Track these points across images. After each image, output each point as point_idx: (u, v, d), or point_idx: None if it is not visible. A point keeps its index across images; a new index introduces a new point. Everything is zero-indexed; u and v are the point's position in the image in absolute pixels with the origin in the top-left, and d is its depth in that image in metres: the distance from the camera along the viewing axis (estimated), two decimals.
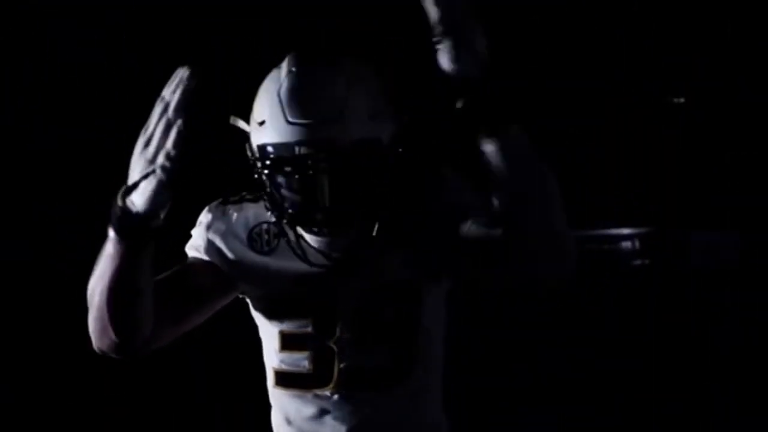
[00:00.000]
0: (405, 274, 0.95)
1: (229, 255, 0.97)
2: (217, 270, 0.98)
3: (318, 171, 0.85)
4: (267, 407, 1.09)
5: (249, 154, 0.91)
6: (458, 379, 1.50)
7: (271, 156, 0.87)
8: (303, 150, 0.84)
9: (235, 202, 1.00)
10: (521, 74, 4.52)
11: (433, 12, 0.77)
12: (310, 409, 0.95)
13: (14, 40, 2.77)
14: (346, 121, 0.86)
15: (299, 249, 0.93)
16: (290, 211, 0.88)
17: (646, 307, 4.51)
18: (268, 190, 0.89)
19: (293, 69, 0.90)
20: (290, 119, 0.85)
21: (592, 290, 4.58)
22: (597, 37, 4.92)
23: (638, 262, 5.03)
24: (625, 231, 5.09)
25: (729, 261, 4.81)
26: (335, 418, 0.94)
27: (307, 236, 0.93)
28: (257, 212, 0.97)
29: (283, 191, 0.88)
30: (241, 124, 0.94)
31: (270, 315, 0.99)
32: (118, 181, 0.90)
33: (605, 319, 4.36)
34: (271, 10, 3.33)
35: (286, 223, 0.90)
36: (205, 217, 1.01)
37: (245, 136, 0.93)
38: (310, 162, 0.85)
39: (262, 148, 0.88)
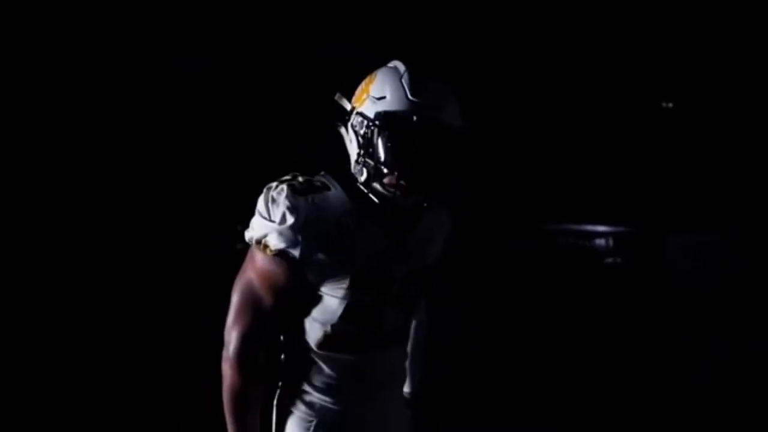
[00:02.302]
0: (425, 264, 1.23)
1: (321, 243, 1.09)
2: (300, 263, 1.10)
3: (425, 134, 1.09)
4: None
5: (358, 121, 1.12)
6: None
7: (394, 119, 1.08)
8: (416, 118, 1.08)
9: (309, 191, 1.11)
10: (510, 76, 4.55)
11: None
12: (350, 365, 1.16)
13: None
14: (450, 109, 1.12)
15: (380, 227, 1.15)
16: (384, 166, 1.09)
17: (621, 306, 4.54)
18: (381, 146, 1.09)
19: (409, 67, 1.14)
20: (410, 97, 1.09)
21: (568, 286, 4.64)
22: (584, 42, 4.95)
23: (611, 260, 5.13)
24: (601, 228, 5.17)
25: (707, 262, 4.85)
26: (370, 370, 1.18)
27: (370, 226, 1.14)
28: (332, 199, 1.11)
29: (384, 149, 1.09)
30: (344, 102, 1.19)
31: (342, 291, 1.12)
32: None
33: (581, 315, 4.40)
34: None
35: (385, 175, 1.10)
36: (293, 208, 1.09)
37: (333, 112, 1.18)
38: (421, 128, 1.08)
39: (380, 114, 1.09)
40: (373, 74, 1.18)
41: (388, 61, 1.25)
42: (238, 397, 1.12)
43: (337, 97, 1.21)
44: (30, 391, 2.72)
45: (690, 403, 3.03)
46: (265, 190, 1.13)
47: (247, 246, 1.20)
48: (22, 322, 2.75)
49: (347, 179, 1.15)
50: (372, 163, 1.11)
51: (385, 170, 1.10)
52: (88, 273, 2.89)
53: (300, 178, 1.15)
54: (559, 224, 5.21)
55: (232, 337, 1.11)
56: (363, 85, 1.18)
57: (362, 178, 1.13)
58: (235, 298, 1.13)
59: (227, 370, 1.12)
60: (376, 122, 1.10)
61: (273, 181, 1.17)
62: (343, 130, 1.20)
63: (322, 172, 1.17)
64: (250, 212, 1.20)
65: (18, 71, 2.70)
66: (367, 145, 1.11)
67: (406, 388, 1.43)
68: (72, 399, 2.76)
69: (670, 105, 5.70)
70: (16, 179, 2.72)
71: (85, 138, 2.87)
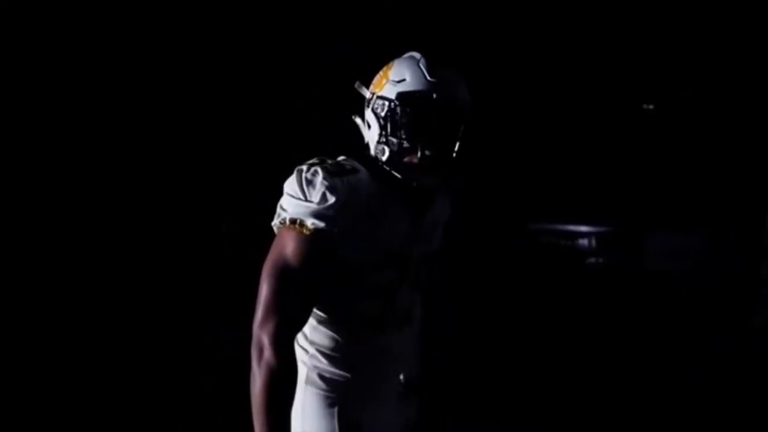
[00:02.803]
0: (432, 247, 1.34)
1: (353, 223, 1.14)
2: (334, 242, 1.13)
3: (443, 109, 1.19)
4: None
5: (379, 104, 1.21)
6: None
7: (414, 97, 1.18)
8: (435, 95, 1.18)
9: (342, 173, 1.15)
10: (497, 76, 4.56)
11: None
12: (370, 343, 1.22)
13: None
14: (462, 87, 1.24)
15: (407, 211, 1.25)
16: (406, 141, 1.18)
17: (609, 305, 4.59)
18: (403, 123, 1.18)
19: (425, 55, 1.24)
20: (428, 78, 1.20)
21: (555, 285, 4.69)
22: (566, 46, 4.96)
23: (594, 260, 5.23)
24: (584, 228, 5.28)
25: (685, 263, 4.89)
26: (386, 349, 1.23)
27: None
28: (362, 181, 1.17)
29: (407, 125, 1.18)
30: (363, 90, 1.30)
31: (368, 270, 1.17)
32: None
33: (572, 314, 4.44)
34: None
35: (406, 152, 1.19)
36: (332, 189, 1.12)
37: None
38: (439, 103, 1.18)
39: (402, 94, 1.19)
40: (390, 64, 1.28)
41: (388, 61, 1.31)
42: (282, 390, 1.07)
43: (356, 85, 1.31)
44: (29, 391, 2.72)
45: (690, 403, 3.03)
46: (296, 172, 1.17)
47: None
48: (21, 322, 2.75)
49: (369, 163, 1.23)
50: (395, 140, 1.19)
51: (407, 144, 1.19)
52: (87, 273, 2.89)
53: (329, 161, 1.19)
54: (542, 224, 5.29)
55: (269, 325, 1.08)
56: (381, 73, 1.28)
57: (385, 157, 1.21)
58: (268, 285, 1.11)
59: (268, 360, 1.06)
60: (398, 102, 1.20)
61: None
62: (358, 120, 1.30)
63: (343, 157, 1.23)
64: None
65: (18, 71, 2.69)
66: (389, 124, 1.20)
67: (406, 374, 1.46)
68: (72, 399, 2.76)
69: (651, 107, 5.82)
70: (15, 179, 2.71)
71: (84, 138, 2.87)
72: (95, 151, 2.89)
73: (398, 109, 1.20)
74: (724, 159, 5.34)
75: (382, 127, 1.22)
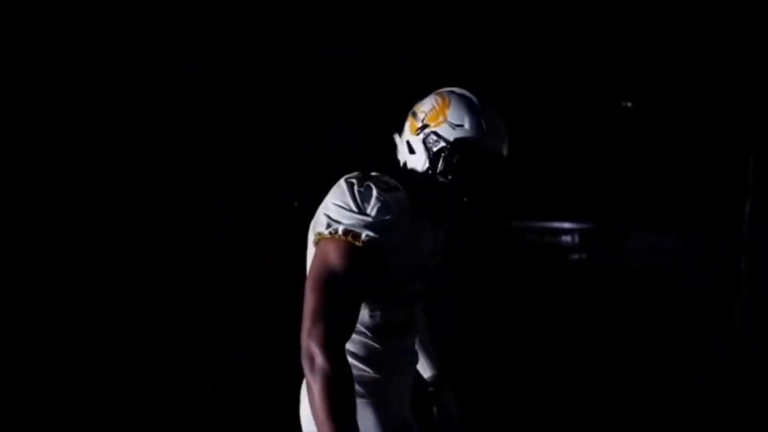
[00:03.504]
0: (440, 258, 1.45)
1: (399, 238, 1.21)
2: (383, 254, 1.19)
3: (490, 162, 1.32)
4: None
5: (433, 139, 1.30)
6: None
7: (469, 148, 1.30)
8: (488, 148, 1.31)
9: (391, 189, 1.22)
10: (491, 77, 4.57)
11: None
12: (397, 346, 1.32)
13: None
14: (507, 141, 1.36)
15: (439, 227, 1.41)
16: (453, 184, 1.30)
17: (582, 302, 4.65)
18: (453, 167, 1.29)
19: (480, 98, 1.34)
20: (485, 129, 1.30)
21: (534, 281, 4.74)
22: (546, 44, 4.98)
23: (577, 256, 5.36)
24: (567, 225, 5.40)
25: (665, 262, 5.04)
26: (407, 348, 1.37)
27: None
28: (403, 197, 1.24)
29: (456, 170, 1.29)
30: (396, 138, 1.41)
31: (403, 281, 1.28)
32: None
33: (554, 311, 4.47)
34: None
35: (458, 194, 1.31)
36: (386, 203, 1.19)
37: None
38: (489, 157, 1.31)
39: (459, 141, 1.30)
40: (445, 98, 1.35)
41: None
42: (342, 394, 1.05)
43: (395, 136, 1.41)
44: (29, 391, 2.72)
45: (680, 402, 3.03)
46: (346, 185, 1.19)
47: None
48: (21, 322, 2.75)
49: (400, 178, 1.30)
50: (441, 178, 1.30)
51: (451, 186, 1.31)
52: (87, 273, 2.89)
53: (373, 175, 1.25)
54: (526, 222, 5.38)
55: (319, 334, 1.06)
56: (436, 104, 1.34)
57: (422, 185, 1.33)
58: (318, 294, 1.10)
59: (323, 367, 1.04)
60: (453, 147, 1.30)
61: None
62: (397, 137, 1.40)
63: (376, 173, 1.28)
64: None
65: (17, 71, 2.69)
66: (439, 164, 1.30)
67: (430, 372, 1.62)
68: (71, 399, 2.76)
69: (629, 104, 5.90)
70: (15, 179, 2.71)
71: (84, 138, 2.87)
72: (95, 151, 2.89)
73: (450, 154, 1.29)
74: (703, 158, 5.45)
75: (432, 162, 1.31)
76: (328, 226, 1.14)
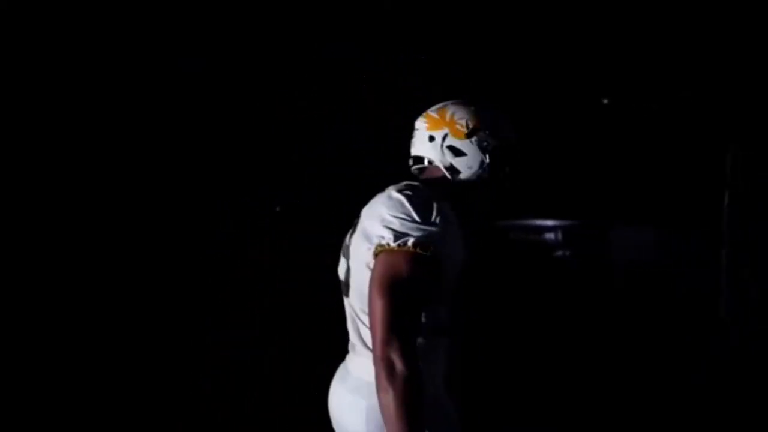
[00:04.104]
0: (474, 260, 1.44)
1: (453, 245, 1.29)
2: (442, 263, 1.26)
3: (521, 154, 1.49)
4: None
5: (485, 141, 1.43)
6: None
7: (512, 149, 1.47)
8: (516, 140, 1.49)
9: (441, 198, 1.30)
10: (489, 76, 4.58)
11: None
12: (444, 345, 1.35)
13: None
14: None
15: (476, 231, 1.49)
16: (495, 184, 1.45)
17: (568, 296, 4.68)
18: (497, 171, 1.44)
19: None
20: (509, 126, 1.49)
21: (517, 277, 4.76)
22: (528, 41, 4.99)
23: (560, 253, 5.46)
24: (549, 222, 5.48)
25: (645, 254, 5.14)
26: (448, 348, 1.36)
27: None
28: (449, 206, 1.30)
29: (497, 172, 1.45)
30: (426, 145, 1.48)
31: (451, 285, 1.31)
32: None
33: (529, 305, 4.49)
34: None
35: (498, 194, 1.48)
36: (446, 214, 1.27)
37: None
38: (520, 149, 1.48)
39: (503, 138, 1.46)
40: (469, 106, 1.47)
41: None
42: (418, 399, 1.14)
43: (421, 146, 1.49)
44: (30, 391, 2.72)
45: (688, 403, 3.03)
46: (403, 197, 1.27)
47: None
48: (21, 323, 2.75)
49: (437, 187, 1.39)
50: (498, 173, 1.44)
51: (505, 179, 1.46)
52: (87, 273, 2.89)
53: (416, 185, 1.36)
54: (509, 220, 5.43)
55: (395, 341, 1.15)
56: (470, 113, 1.46)
57: (475, 183, 1.43)
58: (390, 303, 1.18)
59: (403, 373, 1.13)
60: (503, 146, 1.45)
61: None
62: (424, 145, 1.46)
63: (415, 183, 1.39)
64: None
65: (17, 71, 2.70)
66: (497, 160, 1.44)
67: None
68: (71, 399, 2.77)
69: (605, 101, 5.97)
70: (15, 179, 2.72)
71: (84, 138, 2.87)
72: (95, 151, 2.89)
73: (503, 151, 1.45)
74: (683, 152, 5.52)
75: (492, 159, 1.45)
76: (397, 238, 1.21)
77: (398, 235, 1.22)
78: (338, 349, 1.47)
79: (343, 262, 1.38)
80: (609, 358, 3.69)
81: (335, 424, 1.40)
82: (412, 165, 1.48)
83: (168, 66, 3.02)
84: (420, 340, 1.27)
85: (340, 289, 1.40)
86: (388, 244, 1.21)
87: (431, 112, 1.47)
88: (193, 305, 3.15)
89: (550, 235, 5.54)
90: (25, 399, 2.70)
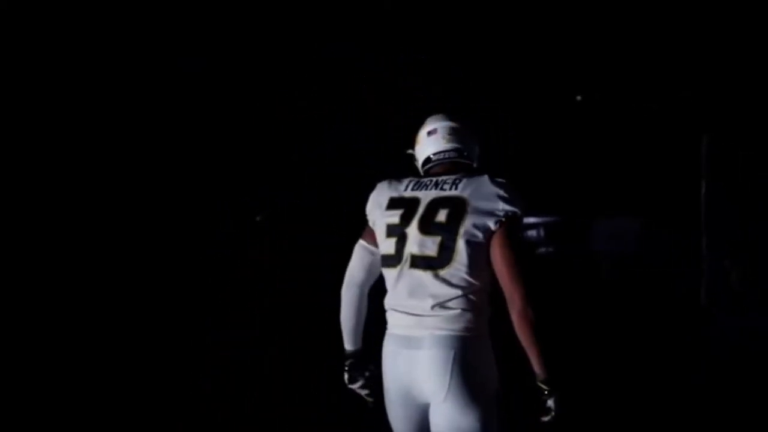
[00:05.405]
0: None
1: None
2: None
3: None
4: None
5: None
6: None
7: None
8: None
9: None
10: (486, 76, 4.59)
11: None
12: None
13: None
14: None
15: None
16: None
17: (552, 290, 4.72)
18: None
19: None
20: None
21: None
22: (508, 41, 5.00)
23: (544, 249, 5.59)
24: (532, 220, 5.56)
25: (627, 245, 5.20)
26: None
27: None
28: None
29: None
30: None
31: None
32: None
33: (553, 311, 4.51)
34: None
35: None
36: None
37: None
38: None
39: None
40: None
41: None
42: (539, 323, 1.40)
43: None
44: (30, 391, 2.72)
45: (688, 403, 3.04)
46: (507, 184, 1.44)
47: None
48: (22, 323, 2.75)
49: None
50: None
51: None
52: (87, 273, 2.89)
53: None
54: None
55: (524, 286, 1.39)
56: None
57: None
58: (519, 259, 1.41)
59: (531, 310, 1.40)
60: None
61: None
62: (460, 142, 1.61)
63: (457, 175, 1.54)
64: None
65: (18, 71, 2.70)
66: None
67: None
68: (72, 399, 2.77)
69: (579, 98, 6.04)
70: (15, 179, 2.72)
71: (84, 138, 2.87)
72: (95, 151, 2.89)
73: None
74: (658, 147, 5.58)
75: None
76: (521, 209, 1.44)
77: (522, 209, 1.43)
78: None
79: (420, 239, 1.45)
80: (594, 349, 3.71)
81: (402, 386, 1.45)
82: (450, 157, 1.57)
83: (168, 66, 3.02)
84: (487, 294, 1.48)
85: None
86: (516, 214, 1.41)
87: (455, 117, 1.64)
88: (194, 305, 3.15)
89: (532, 233, 5.66)
90: (26, 399, 2.70)
